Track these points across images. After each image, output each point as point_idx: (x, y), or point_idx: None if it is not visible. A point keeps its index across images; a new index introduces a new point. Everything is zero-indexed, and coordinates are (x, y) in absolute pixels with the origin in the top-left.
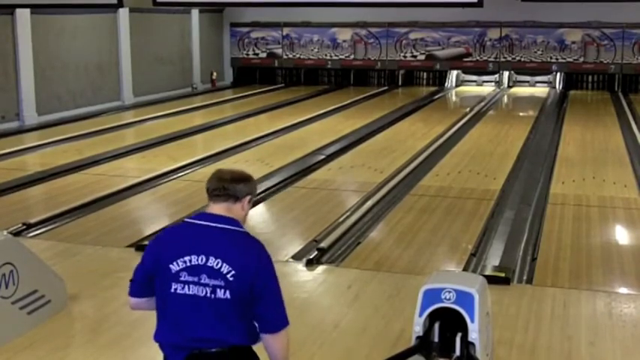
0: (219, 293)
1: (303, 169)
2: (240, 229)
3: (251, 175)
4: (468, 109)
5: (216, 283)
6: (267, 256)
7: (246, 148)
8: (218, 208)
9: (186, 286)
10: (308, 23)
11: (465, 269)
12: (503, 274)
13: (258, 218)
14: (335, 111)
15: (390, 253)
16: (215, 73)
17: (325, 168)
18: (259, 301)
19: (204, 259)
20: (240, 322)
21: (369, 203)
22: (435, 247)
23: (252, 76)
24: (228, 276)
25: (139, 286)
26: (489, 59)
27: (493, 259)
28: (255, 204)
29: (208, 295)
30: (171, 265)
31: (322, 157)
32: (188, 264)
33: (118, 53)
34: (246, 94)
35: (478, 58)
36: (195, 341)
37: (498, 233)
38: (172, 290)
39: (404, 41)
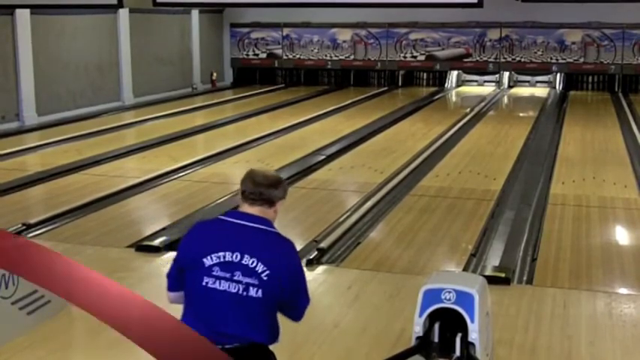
0: (252, 291)
1: (304, 169)
2: (274, 230)
3: (282, 178)
4: (468, 110)
5: (250, 281)
6: (299, 257)
7: (246, 148)
8: (252, 210)
9: (218, 281)
10: (308, 24)
11: (464, 269)
12: (503, 275)
13: None
14: (335, 111)
15: (390, 254)
16: (215, 74)
17: (325, 168)
18: (289, 301)
19: (238, 257)
20: (266, 321)
21: (369, 203)
22: (435, 248)
23: (252, 76)
24: (263, 275)
25: (175, 281)
26: (489, 60)
27: (493, 259)
28: None
29: (240, 292)
30: (204, 259)
31: (322, 157)
32: (222, 260)
33: (118, 54)
34: (247, 94)
35: (478, 58)
36: (219, 335)
37: (498, 233)
38: (204, 283)
39: (404, 42)
